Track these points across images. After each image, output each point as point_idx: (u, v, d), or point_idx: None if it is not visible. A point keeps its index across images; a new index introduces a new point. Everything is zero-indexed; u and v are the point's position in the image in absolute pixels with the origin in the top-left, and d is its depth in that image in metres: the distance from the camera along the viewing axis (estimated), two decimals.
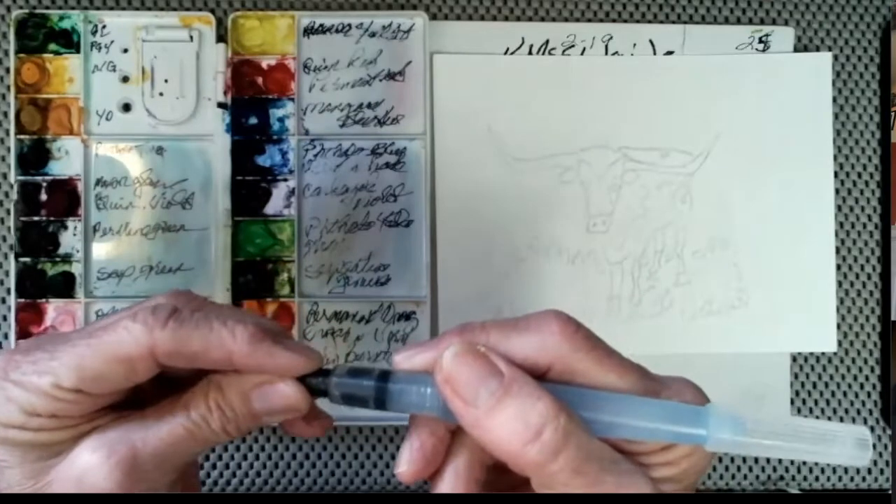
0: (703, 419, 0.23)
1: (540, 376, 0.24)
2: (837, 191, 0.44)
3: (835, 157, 0.44)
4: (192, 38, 0.42)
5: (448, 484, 0.26)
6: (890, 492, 0.44)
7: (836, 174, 0.44)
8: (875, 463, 0.45)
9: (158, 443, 0.24)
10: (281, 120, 0.42)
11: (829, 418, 0.44)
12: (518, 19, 0.44)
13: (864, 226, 0.45)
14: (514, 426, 0.22)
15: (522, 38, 0.44)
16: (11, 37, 0.41)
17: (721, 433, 0.23)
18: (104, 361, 0.23)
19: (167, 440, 0.24)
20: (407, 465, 0.25)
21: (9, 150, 0.41)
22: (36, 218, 0.42)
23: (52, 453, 0.24)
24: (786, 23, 0.45)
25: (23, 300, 0.41)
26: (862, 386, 0.45)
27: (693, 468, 0.24)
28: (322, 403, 0.26)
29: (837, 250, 0.44)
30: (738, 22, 0.45)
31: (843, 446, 0.22)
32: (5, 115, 0.42)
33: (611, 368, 0.24)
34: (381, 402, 0.25)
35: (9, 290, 0.41)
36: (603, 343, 0.25)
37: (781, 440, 0.23)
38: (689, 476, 0.24)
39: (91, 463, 0.24)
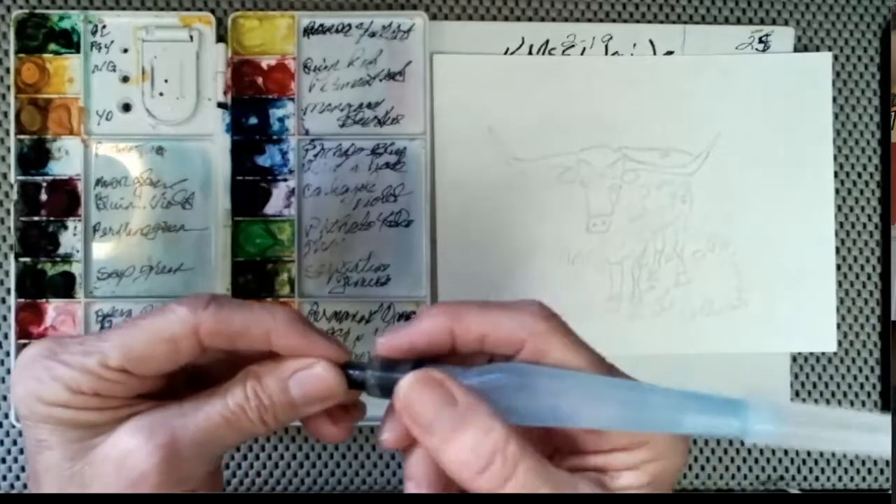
0: (739, 409, 0.23)
1: (511, 356, 0.26)
2: (837, 191, 0.44)
3: (835, 157, 0.44)
4: (192, 38, 0.42)
5: (420, 457, 0.27)
6: (890, 492, 0.44)
7: (836, 174, 0.44)
8: (875, 463, 0.45)
9: (196, 430, 0.25)
10: (281, 120, 0.42)
11: None
12: (518, 19, 0.44)
13: (864, 226, 0.45)
14: (466, 456, 0.23)
15: (522, 38, 0.44)
16: (11, 37, 0.41)
17: (759, 424, 0.22)
18: (150, 341, 0.25)
19: (205, 427, 0.25)
20: (389, 433, 0.26)
21: (9, 150, 0.41)
22: (36, 218, 0.42)
23: (91, 434, 0.25)
24: (786, 23, 0.45)
25: (23, 300, 0.41)
26: (862, 386, 0.45)
27: (659, 476, 0.25)
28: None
29: (837, 250, 0.44)
30: (738, 22, 0.45)
31: (870, 434, 0.22)
32: (5, 115, 0.42)
33: (581, 355, 0.25)
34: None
35: (9, 290, 0.41)
36: (575, 334, 0.26)
37: (817, 430, 0.22)
38: (658, 484, 0.25)
39: (132, 445, 0.24)
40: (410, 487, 0.26)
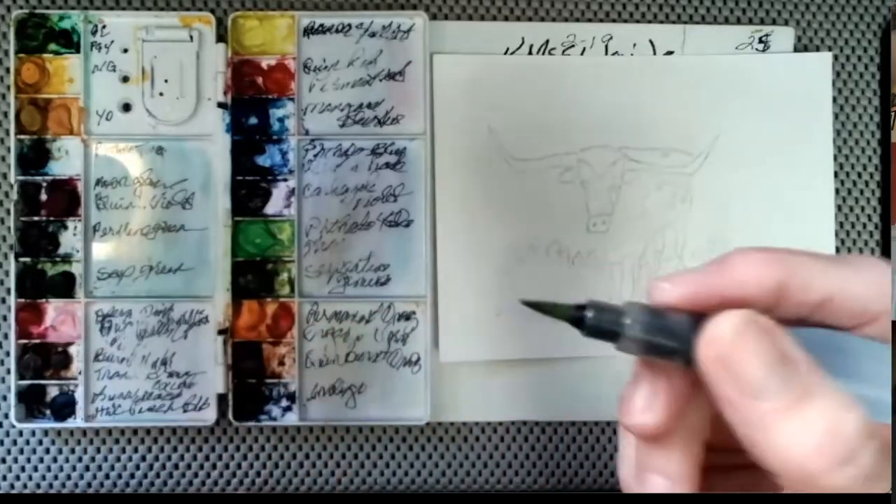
0: None
1: (848, 330, 0.20)
2: (837, 191, 0.44)
3: (835, 157, 0.44)
4: (192, 38, 0.42)
5: (680, 447, 0.21)
6: (890, 492, 0.44)
7: (836, 174, 0.44)
8: None
9: None
10: (281, 120, 0.42)
11: None
12: (518, 19, 0.44)
13: (864, 226, 0.45)
14: (819, 437, 0.17)
15: (522, 38, 0.44)
16: (11, 37, 0.41)
17: None
18: None
19: None
20: (649, 413, 0.20)
21: (9, 150, 0.41)
22: (36, 218, 0.42)
23: None
24: (786, 23, 0.45)
25: (23, 300, 0.41)
26: None
27: None
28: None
29: (837, 250, 0.44)
30: (738, 22, 0.45)
31: None
32: (5, 115, 0.42)
33: None
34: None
35: (9, 290, 0.41)
36: None
37: None
38: None
39: None
40: (659, 485, 0.21)
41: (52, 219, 0.42)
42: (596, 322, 0.21)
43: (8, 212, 0.42)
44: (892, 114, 0.44)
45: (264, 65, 0.42)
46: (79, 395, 0.41)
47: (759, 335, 0.18)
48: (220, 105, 0.42)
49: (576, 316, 0.21)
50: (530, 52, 0.44)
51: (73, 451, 0.42)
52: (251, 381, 0.42)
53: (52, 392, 0.42)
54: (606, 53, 0.44)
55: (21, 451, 0.42)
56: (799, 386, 0.18)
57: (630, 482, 0.22)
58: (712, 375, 0.19)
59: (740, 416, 0.18)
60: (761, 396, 0.18)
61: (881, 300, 0.19)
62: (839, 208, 0.44)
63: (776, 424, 0.18)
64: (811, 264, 0.19)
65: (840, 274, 0.19)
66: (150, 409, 0.42)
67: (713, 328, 0.19)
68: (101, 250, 0.42)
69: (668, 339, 0.20)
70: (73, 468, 0.42)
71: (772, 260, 0.19)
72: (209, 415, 0.42)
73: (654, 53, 0.44)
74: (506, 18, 0.44)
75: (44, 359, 0.41)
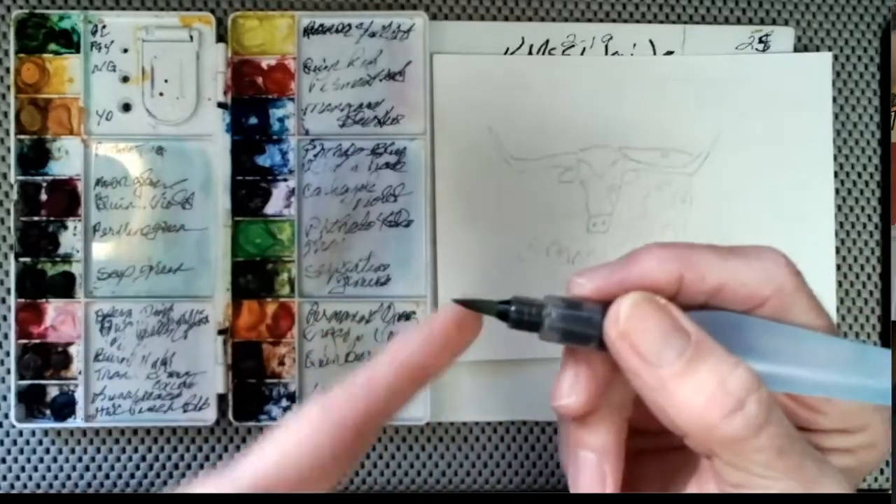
0: None
1: (745, 311, 0.22)
2: (837, 191, 0.44)
3: (835, 157, 0.44)
4: (192, 38, 0.42)
5: (605, 422, 0.23)
6: (890, 492, 0.44)
7: (836, 174, 0.44)
8: None
9: None
10: (281, 120, 0.42)
11: None
12: (518, 19, 0.44)
13: (864, 226, 0.45)
14: (710, 392, 0.20)
15: (522, 38, 0.44)
16: (11, 37, 0.41)
17: None
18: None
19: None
20: (572, 396, 0.23)
21: (9, 150, 0.41)
22: (36, 218, 0.42)
23: None
24: (786, 23, 0.45)
25: (23, 300, 0.41)
26: None
27: (868, 462, 0.23)
28: None
29: (837, 250, 0.44)
30: (738, 22, 0.45)
31: None
32: (5, 115, 0.42)
33: (823, 320, 0.22)
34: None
35: (9, 290, 0.41)
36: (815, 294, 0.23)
37: None
38: (862, 470, 0.23)
39: None
40: (588, 459, 0.23)
41: (52, 219, 0.42)
42: (518, 315, 0.23)
43: (8, 212, 0.42)
44: (892, 114, 0.45)
45: (264, 65, 0.42)
46: (79, 395, 0.41)
47: (652, 311, 0.21)
48: (220, 105, 0.42)
49: (501, 310, 0.23)
50: (530, 52, 0.44)
51: (73, 451, 0.42)
52: (251, 381, 0.42)
53: (52, 392, 0.42)
54: (606, 53, 0.44)
55: (21, 451, 0.42)
56: (691, 351, 0.20)
57: (565, 458, 0.24)
58: (617, 350, 0.21)
59: (645, 384, 0.21)
60: (659, 363, 0.21)
61: (768, 285, 0.22)
62: (839, 208, 0.44)
63: (675, 387, 0.20)
64: (705, 257, 0.22)
65: (731, 265, 0.22)
66: (150, 409, 0.42)
67: (615, 308, 0.21)
68: (101, 250, 0.42)
69: (583, 327, 0.22)
70: (73, 468, 0.42)
71: (670, 255, 0.22)
72: (209, 415, 0.42)
73: (654, 53, 0.44)
74: (506, 18, 0.44)
75: (44, 359, 0.41)
